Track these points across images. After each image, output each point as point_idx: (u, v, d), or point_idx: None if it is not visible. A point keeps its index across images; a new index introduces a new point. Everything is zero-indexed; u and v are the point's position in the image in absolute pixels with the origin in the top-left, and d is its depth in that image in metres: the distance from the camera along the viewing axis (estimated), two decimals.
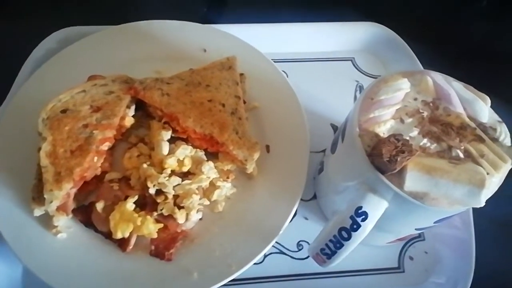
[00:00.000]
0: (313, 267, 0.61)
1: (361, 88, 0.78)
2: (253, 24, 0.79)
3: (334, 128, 0.74)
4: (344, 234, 0.45)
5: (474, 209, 0.64)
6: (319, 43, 0.82)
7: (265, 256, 0.62)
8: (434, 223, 0.49)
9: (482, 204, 0.42)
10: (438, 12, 0.96)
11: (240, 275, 0.57)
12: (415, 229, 0.53)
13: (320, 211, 0.66)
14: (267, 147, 0.67)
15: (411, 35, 0.81)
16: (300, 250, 0.63)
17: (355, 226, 0.45)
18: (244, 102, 0.67)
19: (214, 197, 0.62)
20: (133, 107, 0.65)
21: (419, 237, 0.65)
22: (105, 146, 0.61)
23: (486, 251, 0.62)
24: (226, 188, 0.63)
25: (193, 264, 0.57)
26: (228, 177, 0.64)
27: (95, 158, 0.60)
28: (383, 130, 0.46)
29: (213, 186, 0.63)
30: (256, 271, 0.61)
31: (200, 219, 0.62)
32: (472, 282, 0.60)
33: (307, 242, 0.64)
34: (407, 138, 0.45)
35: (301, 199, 0.66)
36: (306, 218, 0.66)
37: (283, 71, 0.78)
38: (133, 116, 0.66)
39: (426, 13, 0.95)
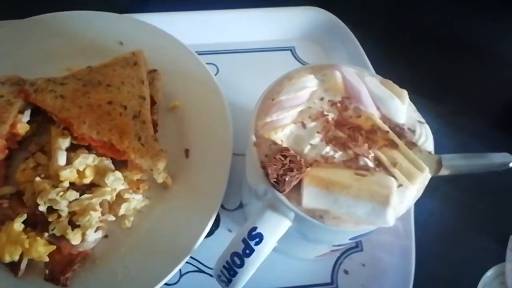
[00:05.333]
0: None
1: None
2: (176, 12, 0.71)
3: None
4: (237, 260, 0.39)
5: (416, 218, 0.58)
6: (253, 32, 0.74)
7: (181, 275, 0.56)
8: (350, 239, 0.43)
9: (391, 224, 0.36)
10: None
11: None
12: (333, 245, 0.46)
13: (246, 222, 0.59)
14: (186, 151, 0.60)
15: (355, 21, 0.74)
16: None
17: (247, 251, 0.38)
18: (155, 103, 0.59)
19: (122, 211, 0.55)
20: (27, 112, 0.57)
21: (356, 247, 0.59)
22: None
23: (427, 264, 0.56)
24: (136, 201, 0.56)
25: None
26: (139, 188, 0.57)
27: None
28: (280, 137, 0.39)
29: (121, 198, 0.56)
30: None
31: (106, 236, 0.55)
32: None
33: None
34: (308, 146, 0.38)
35: (226, 209, 0.60)
36: (230, 230, 0.59)
37: (213, 64, 0.71)
38: (32, 121, 0.58)
39: None
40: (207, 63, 0.67)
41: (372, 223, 0.36)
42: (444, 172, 0.38)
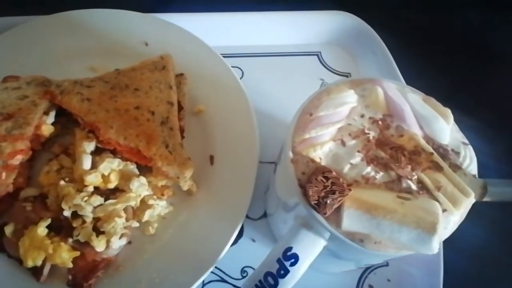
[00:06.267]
0: None
1: None
2: (201, 13, 0.70)
3: None
4: (270, 280, 0.38)
5: None
6: (279, 35, 0.72)
7: (204, 284, 0.55)
8: (384, 260, 0.42)
9: (435, 251, 0.34)
10: (414, 2, 0.86)
11: None
12: (364, 264, 0.45)
13: (270, 232, 0.58)
14: (211, 158, 0.59)
15: (385, 27, 0.72)
16: (244, 277, 0.56)
17: (282, 272, 0.37)
18: (182, 108, 0.58)
19: (146, 217, 0.54)
20: (52, 113, 0.56)
21: (382, 262, 0.57)
22: (16, 160, 0.53)
23: (455, 281, 0.54)
24: (160, 207, 0.55)
25: None
26: (163, 194, 0.56)
27: (4, 174, 0.52)
28: (319, 155, 0.38)
29: (145, 204, 0.55)
30: None
31: (129, 242, 0.54)
32: None
33: (253, 268, 0.56)
34: (348, 165, 0.37)
35: (249, 218, 0.59)
36: (254, 240, 0.58)
37: (238, 67, 0.70)
38: (55, 122, 0.57)
39: (402, 3, 0.84)
40: (232, 67, 0.65)
41: (415, 250, 0.35)
42: (488, 198, 0.37)
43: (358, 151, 0.38)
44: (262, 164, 0.60)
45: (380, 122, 0.39)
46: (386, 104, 0.40)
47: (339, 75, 0.71)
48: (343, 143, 0.38)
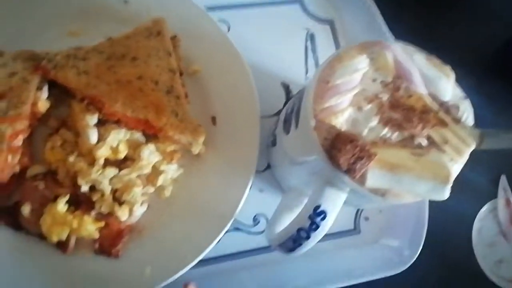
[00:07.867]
0: None
1: (312, 37, 0.70)
2: None
3: (285, 87, 0.67)
4: (303, 234, 0.42)
5: None
6: None
7: None
8: None
9: (446, 197, 0.41)
10: None
11: None
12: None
13: (276, 182, 0.62)
14: (213, 119, 0.60)
15: None
16: (256, 224, 0.61)
17: (313, 226, 0.42)
18: (182, 73, 0.57)
19: (159, 182, 0.56)
20: (45, 88, 0.54)
21: None
22: (19, 141, 0.51)
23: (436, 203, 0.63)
24: (171, 171, 0.57)
25: (144, 258, 0.53)
26: (172, 158, 0.58)
27: (10, 157, 0.51)
28: (340, 121, 0.41)
29: (156, 170, 0.57)
30: (212, 251, 0.58)
31: (148, 207, 0.57)
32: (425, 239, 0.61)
33: (264, 215, 0.61)
34: (367, 128, 0.41)
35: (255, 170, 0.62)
36: (261, 190, 0.63)
37: (223, 21, 0.68)
38: (49, 95, 0.55)
39: None
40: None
41: (429, 198, 0.41)
42: (485, 146, 0.42)
43: (374, 115, 0.41)
44: (261, 118, 0.62)
45: (391, 85, 0.43)
46: (395, 67, 0.43)
47: (323, 23, 0.72)
48: (359, 109, 0.42)
